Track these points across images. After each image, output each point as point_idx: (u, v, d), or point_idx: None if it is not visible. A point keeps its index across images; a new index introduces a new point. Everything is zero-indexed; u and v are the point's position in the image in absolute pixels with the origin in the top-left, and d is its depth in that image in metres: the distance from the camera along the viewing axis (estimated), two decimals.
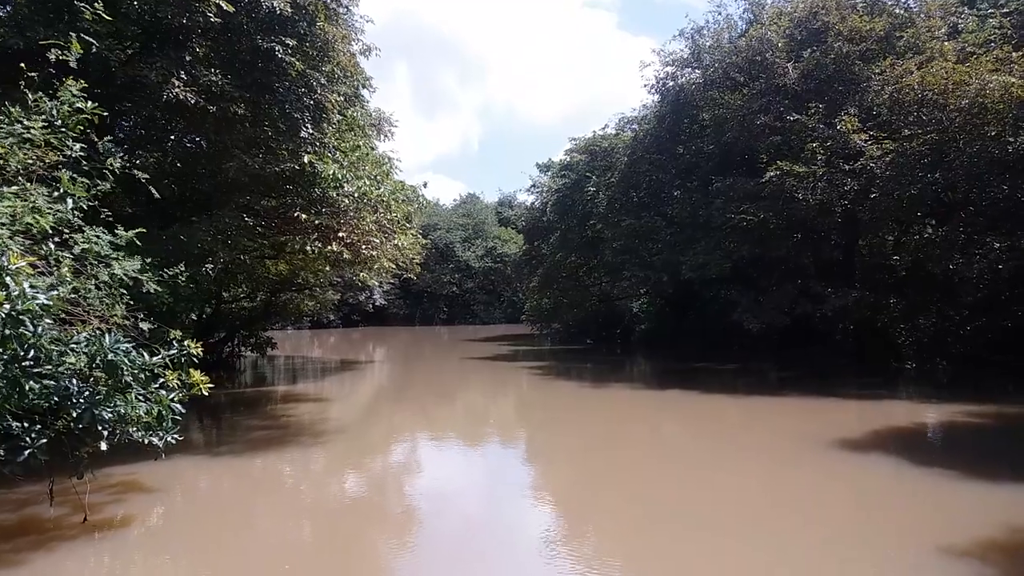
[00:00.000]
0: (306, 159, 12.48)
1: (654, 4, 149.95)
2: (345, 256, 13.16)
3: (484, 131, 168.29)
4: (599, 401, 18.14)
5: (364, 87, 18.00)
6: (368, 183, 13.31)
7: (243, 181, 12.57)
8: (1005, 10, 21.69)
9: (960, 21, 22.61)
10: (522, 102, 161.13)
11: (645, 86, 27.81)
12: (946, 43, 21.18)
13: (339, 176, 12.84)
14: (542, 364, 27.92)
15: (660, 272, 24.70)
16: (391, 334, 57.12)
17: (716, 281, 26.50)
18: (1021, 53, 18.62)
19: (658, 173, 26.23)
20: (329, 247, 12.98)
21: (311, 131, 12.86)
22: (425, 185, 15.70)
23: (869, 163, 19.85)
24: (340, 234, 13.22)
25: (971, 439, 12.43)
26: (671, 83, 26.57)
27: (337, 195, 13.26)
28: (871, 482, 9.29)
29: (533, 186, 42.63)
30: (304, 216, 13.11)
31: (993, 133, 18.38)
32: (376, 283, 55.86)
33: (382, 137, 21.79)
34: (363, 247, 13.73)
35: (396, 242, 15.05)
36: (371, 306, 63.08)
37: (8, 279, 5.48)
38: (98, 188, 7.94)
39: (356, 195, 13.25)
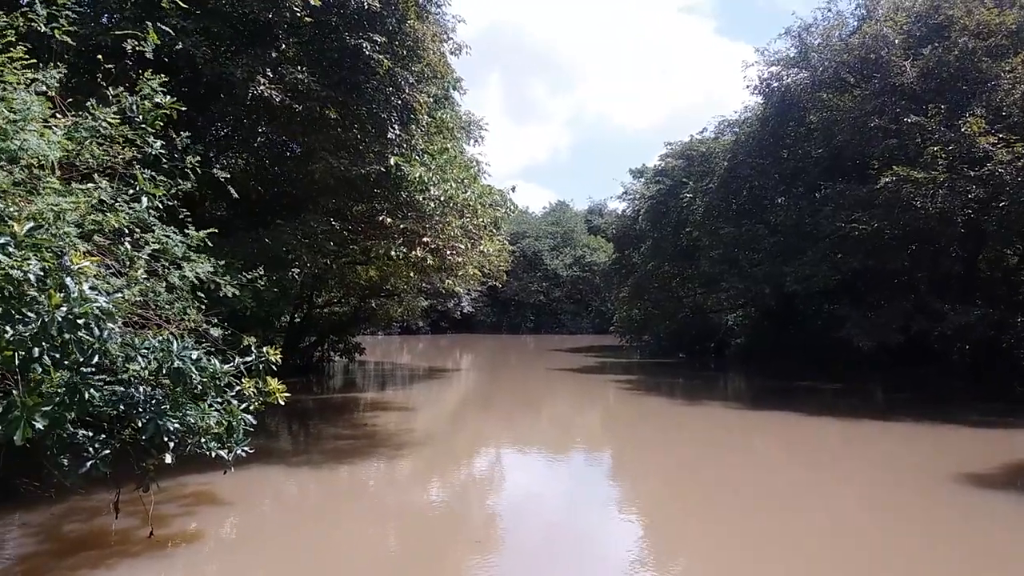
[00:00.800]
0: (392, 161, 12.08)
1: (753, 8, 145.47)
2: (429, 262, 12.69)
3: (575, 139, 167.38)
4: (691, 419, 17.23)
5: (454, 88, 17.63)
6: (455, 186, 12.82)
7: (329, 184, 12.28)
8: None
9: None
10: (614, 110, 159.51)
11: (747, 87, 26.44)
12: None
13: (425, 179, 12.39)
14: (631, 378, 26.95)
15: (761, 283, 23.24)
16: (478, 341, 57.06)
17: (820, 295, 24.91)
18: None
19: (760, 179, 24.76)
20: (414, 252, 12.54)
21: (398, 132, 12.46)
22: (513, 189, 15.09)
23: (998, 168, 18.05)
24: (425, 239, 12.76)
25: None
26: (775, 84, 25.09)
27: (423, 199, 12.83)
28: (1009, 533, 8.07)
29: (625, 193, 41.48)
30: (389, 220, 12.73)
31: None
32: (464, 291, 56.15)
33: (471, 142, 21.43)
34: (448, 253, 13.24)
35: (482, 248, 14.49)
36: (459, 313, 63.28)
37: (69, 280, 5.12)
38: (180, 188, 7.68)
39: (442, 199, 12.77)
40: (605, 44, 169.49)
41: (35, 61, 6.73)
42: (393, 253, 12.72)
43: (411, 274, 16.52)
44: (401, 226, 12.97)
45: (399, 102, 12.42)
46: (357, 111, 12.24)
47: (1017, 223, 18.22)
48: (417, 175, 12.40)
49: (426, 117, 13.21)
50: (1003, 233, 19.04)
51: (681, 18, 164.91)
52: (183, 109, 7.44)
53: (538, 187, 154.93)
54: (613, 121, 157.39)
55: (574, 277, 68.73)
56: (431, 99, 14.53)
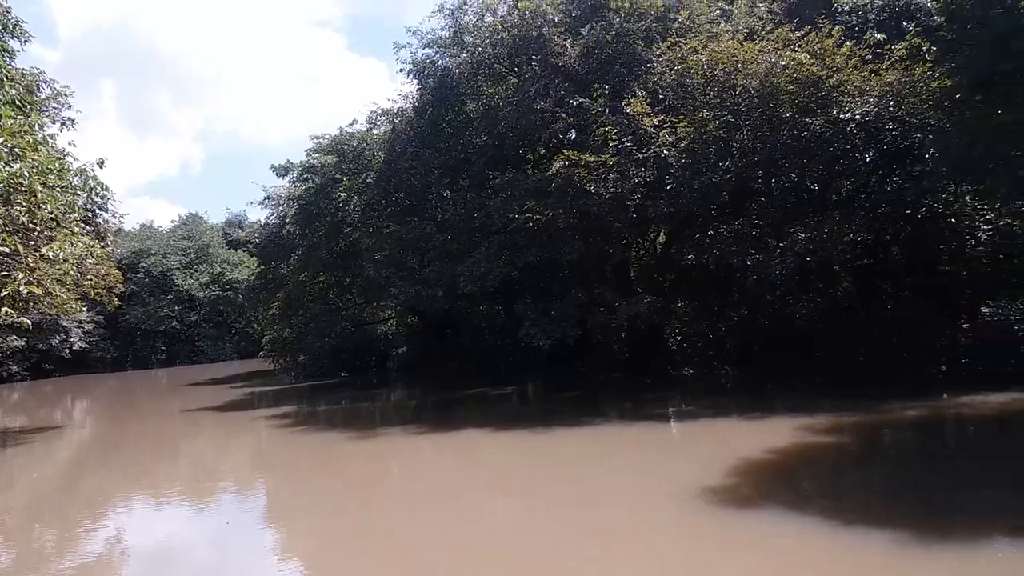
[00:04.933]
0: None
1: (382, 26, 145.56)
2: None
3: (208, 153, 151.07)
4: (354, 449, 14.95)
5: (10, 32, 12.06)
6: None
7: None
8: None
9: (728, 7, 21.68)
10: (249, 123, 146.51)
11: (400, 71, 23.85)
12: (722, 25, 20.05)
13: None
14: (286, 409, 22.98)
15: (434, 286, 20.72)
16: (96, 383, 47.15)
17: (484, 295, 23.33)
18: (803, 33, 17.62)
19: (423, 171, 22.25)
20: None
21: None
22: (101, 165, 10.13)
23: (662, 151, 17.70)
24: None
25: (818, 463, 10.41)
26: (431, 68, 22.85)
27: None
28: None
29: (268, 198, 36.44)
30: None
31: (787, 115, 17.09)
32: (74, 322, 46.01)
33: (58, 124, 15.61)
34: None
35: (49, 251, 9.35)
36: (67, 351, 51.84)
37: None
38: None
39: None
40: (234, 54, 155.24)
41: None
42: None
43: None
44: None
45: None
46: None
47: (684, 205, 17.99)
48: None
49: None
50: (670, 216, 18.79)
51: (314, 32, 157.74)
52: None
53: (168, 204, 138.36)
54: (248, 135, 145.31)
55: (213, 298, 60.86)
56: None
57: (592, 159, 17.60)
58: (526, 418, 17.30)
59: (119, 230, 28.99)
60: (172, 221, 70.49)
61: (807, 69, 16.60)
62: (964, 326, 16.75)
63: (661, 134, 17.78)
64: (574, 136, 19.98)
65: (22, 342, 44.90)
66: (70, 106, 17.22)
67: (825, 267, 18.22)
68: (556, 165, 17.87)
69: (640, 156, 17.78)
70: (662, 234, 22.50)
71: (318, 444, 16.20)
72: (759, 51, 17.28)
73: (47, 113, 15.94)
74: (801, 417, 13.10)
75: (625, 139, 18.04)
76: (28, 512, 11.59)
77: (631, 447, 12.85)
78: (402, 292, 22.64)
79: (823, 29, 17.51)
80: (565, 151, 18.13)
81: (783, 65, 16.77)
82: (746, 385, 18.89)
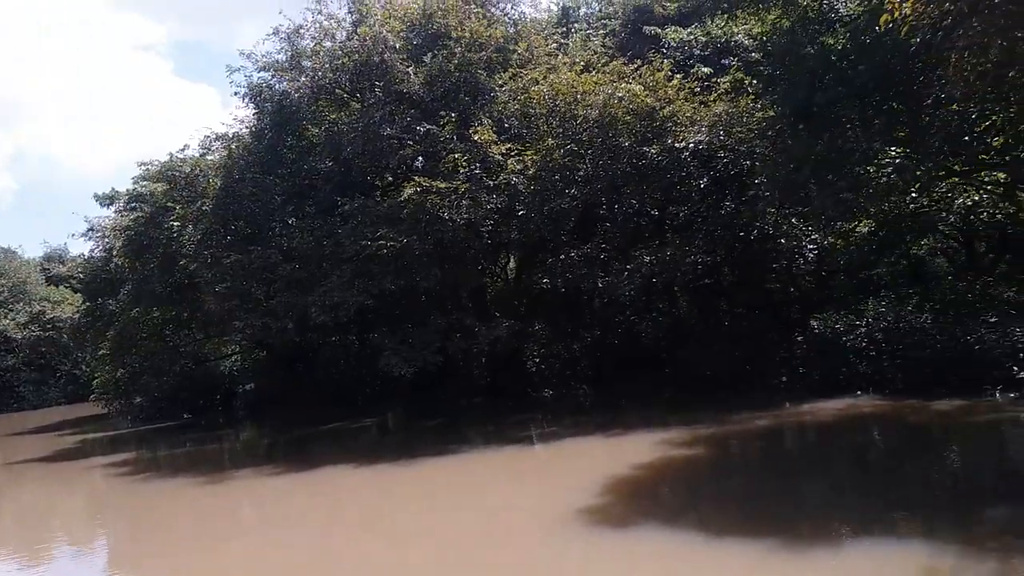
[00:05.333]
0: None
1: (210, 51, 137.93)
2: None
3: (20, 182, 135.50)
4: (205, 495, 13.97)
5: None
6: None
7: None
8: (603, 32, 22.20)
9: (564, 41, 22.48)
10: (68, 150, 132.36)
11: (236, 94, 22.78)
12: (560, 57, 20.74)
13: None
14: (124, 456, 21.39)
15: (283, 318, 19.76)
16: None
17: (337, 326, 22.61)
18: (636, 66, 18.56)
19: (265, 197, 21.20)
20: None
21: None
22: None
23: (512, 178, 18.02)
24: None
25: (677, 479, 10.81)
26: (267, 92, 21.95)
27: None
28: None
29: (91, 230, 33.63)
30: None
31: (626, 144, 17.89)
32: None
33: None
34: None
35: None
36: None
37: None
38: None
39: None
40: (51, 79, 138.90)
41: None
42: None
43: None
44: None
45: None
46: None
47: (534, 231, 18.37)
48: None
49: None
50: (522, 242, 19.12)
51: (137, 56, 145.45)
52: None
53: None
54: (67, 163, 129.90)
55: (33, 339, 55.18)
56: None
57: (443, 185, 17.57)
58: (388, 450, 16.97)
59: None
60: None
61: (642, 100, 17.50)
62: (799, 339, 17.96)
63: (509, 162, 18.13)
64: (423, 163, 19.91)
65: None
66: None
67: (668, 287, 19.12)
68: (408, 191, 17.68)
69: (491, 183, 18.03)
70: (513, 260, 22.85)
71: (162, 491, 15.23)
72: (596, 83, 18.03)
73: None
74: (657, 432, 13.64)
75: (475, 166, 18.23)
76: None
77: (499, 473, 12.91)
78: (247, 325, 21.41)
79: (654, 63, 18.51)
80: (416, 177, 18.00)
81: (620, 96, 17.54)
82: (603, 403, 19.38)
